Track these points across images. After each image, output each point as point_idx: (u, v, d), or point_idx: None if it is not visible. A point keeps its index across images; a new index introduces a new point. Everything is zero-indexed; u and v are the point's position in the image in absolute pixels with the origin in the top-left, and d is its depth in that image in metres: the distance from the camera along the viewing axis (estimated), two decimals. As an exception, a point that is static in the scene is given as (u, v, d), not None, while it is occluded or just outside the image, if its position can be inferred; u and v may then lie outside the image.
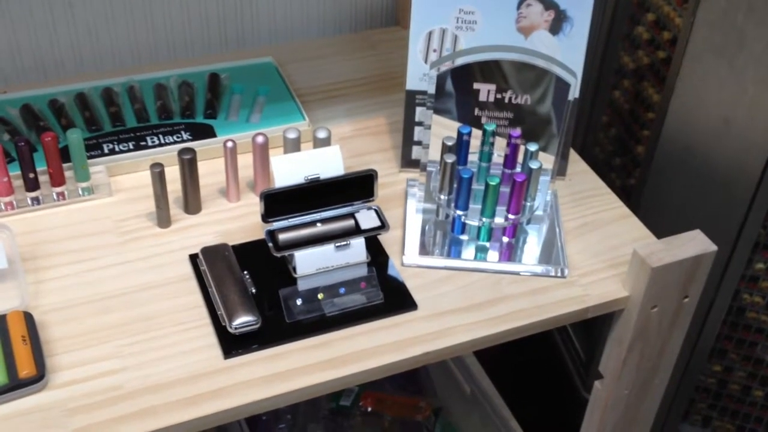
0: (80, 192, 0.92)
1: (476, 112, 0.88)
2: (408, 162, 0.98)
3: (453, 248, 0.90)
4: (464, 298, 0.84)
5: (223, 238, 0.88)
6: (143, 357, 0.77)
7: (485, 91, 0.87)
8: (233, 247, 0.86)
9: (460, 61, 0.85)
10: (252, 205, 0.92)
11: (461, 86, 0.88)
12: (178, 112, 1.01)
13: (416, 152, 0.98)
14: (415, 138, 0.97)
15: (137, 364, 0.76)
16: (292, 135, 0.92)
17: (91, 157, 0.94)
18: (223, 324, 0.78)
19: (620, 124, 1.19)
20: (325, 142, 0.92)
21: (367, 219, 0.86)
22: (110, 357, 0.77)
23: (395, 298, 0.83)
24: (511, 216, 0.88)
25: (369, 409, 1.25)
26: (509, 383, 1.29)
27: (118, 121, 0.99)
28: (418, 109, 0.96)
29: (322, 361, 0.77)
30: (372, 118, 1.06)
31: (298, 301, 0.81)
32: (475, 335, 0.81)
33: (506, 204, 0.88)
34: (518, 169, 0.91)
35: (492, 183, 0.85)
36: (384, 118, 1.06)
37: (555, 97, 0.87)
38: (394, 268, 0.87)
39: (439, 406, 1.27)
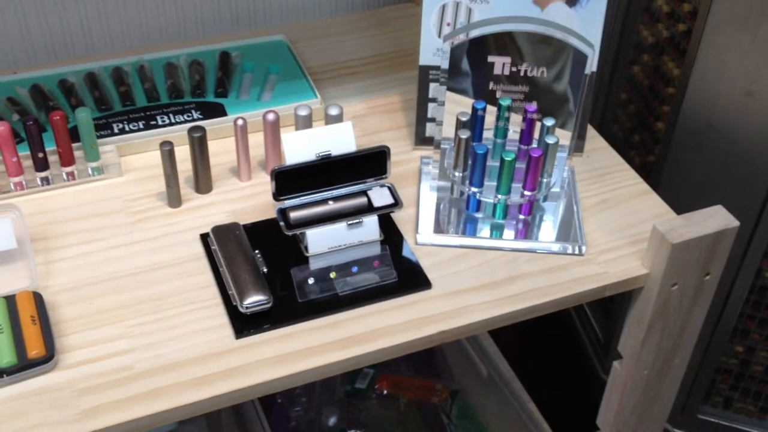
0: (90, 172, 0.91)
1: (491, 86, 0.86)
2: (422, 139, 0.97)
3: (468, 226, 0.88)
4: (480, 277, 0.82)
5: (234, 217, 0.87)
6: (153, 337, 0.76)
7: (500, 64, 0.85)
8: (244, 226, 0.84)
9: (474, 33, 0.83)
10: (263, 184, 0.91)
11: (475, 60, 0.86)
12: (189, 91, 1.00)
13: (430, 129, 0.96)
14: (429, 115, 0.95)
15: (147, 344, 0.75)
16: (303, 112, 0.90)
17: (100, 136, 0.93)
18: (234, 303, 0.77)
19: (639, 100, 1.16)
20: (337, 119, 0.90)
21: (380, 196, 0.84)
22: (120, 337, 0.76)
23: (409, 277, 0.82)
24: (527, 192, 0.86)
25: (385, 391, 1.23)
26: (527, 365, 1.28)
27: (128, 100, 0.98)
28: (432, 85, 0.94)
29: (334, 340, 0.76)
30: (385, 96, 1.04)
31: (310, 281, 0.80)
32: (490, 314, 0.79)
33: (522, 180, 0.86)
34: (534, 145, 0.89)
35: (507, 159, 0.83)
36: (397, 95, 1.04)
37: (572, 71, 0.84)
38: (408, 247, 0.85)
39: (456, 389, 1.26)
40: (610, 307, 1.26)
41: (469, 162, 0.86)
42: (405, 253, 0.84)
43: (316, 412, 1.21)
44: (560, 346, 1.41)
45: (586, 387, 1.33)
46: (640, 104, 1.16)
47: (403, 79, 1.06)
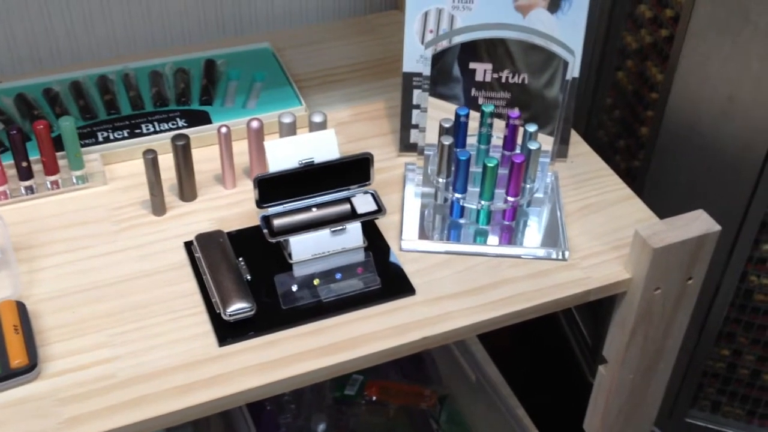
0: (74, 180, 0.91)
1: (473, 92, 0.87)
2: (406, 146, 0.97)
3: (452, 232, 0.88)
4: (463, 282, 0.83)
5: (218, 225, 0.87)
6: (137, 345, 0.76)
7: (482, 70, 0.85)
8: (229, 233, 0.84)
9: (456, 40, 0.84)
10: (248, 192, 0.91)
11: (458, 66, 0.86)
12: (174, 99, 1.00)
13: (414, 136, 0.96)
14: (413, 121, 0.95)
15: (131, 352, 0.75)
16: (287, 119, 0.90)
17: (85, 145, 0.93)
18: (218, 311, 0.77)
19: (624, 105, 1.17)
20: (321, 127, 0.90)
21: (363, 203, 0.84)
22: (103, 346, 0.76)
23: (393, 283, 0.82)
24: (510, 198, 0.86)
25: (374, 398, 1.23)
26: (515, 370, 1.28)
27: (113, 108, 0.98)
28: (415, 92, 0.94)
29: (318, 347, 0.76)
30: (370, 103, 1.04)
31: (294, 287, 0.80)
32: (474, 319, 0.79)
33: (505, 186, 0.86)
34: (518, 150, 0.89)
35: (490, 165, 0.84)
36: (382, 102, 1.05)
37: (554, 77, 0.85)
38: (392, 253, 0.85)
39: (444, 394, 1.26)
40: (598, 311, 1.26)
41: (453, 168, 0.86)
42: (389, 259, 0.85)
43: (305, 418, 1.21)
44: (549, 351, 1.41)
45: (574, 391, 1.33)
46: (624, 109, 1.17)
47: (388, 86, 1.07)
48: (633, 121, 1.15)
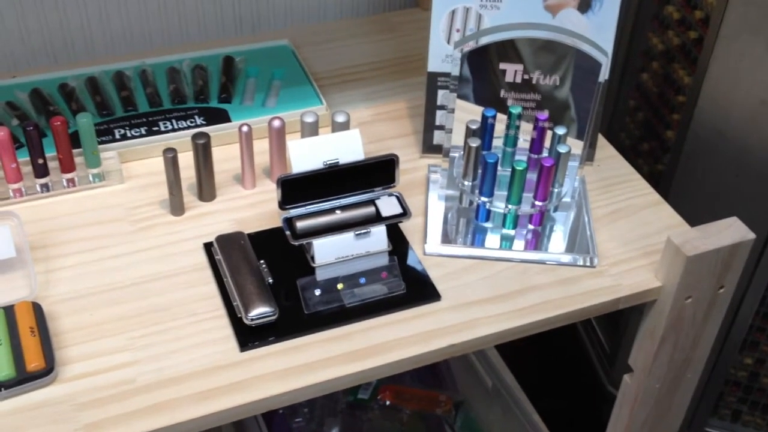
0: (91, 179, 0.89)
1: (502, 93, 0.85)
2: (429, 147, 0.95)
3: (477, 236, 0.86)
4: (490, 289, 0.81)
5: (238, 226, 0.85)
6: (156, 349, 0.74)
7: (512, 71, 0.83)
8: (249, 235, 0.82)
9: (484, 40, 0.82)
10: (268, 192, 0.89)
11: (485, 67, 0.84)
12: (192, 97, 0.98)
13: (438, 137, 0.94)
14: (437, 122, 0.93)
15: (150, 356, 0.73)
16: (309, 119, 0.88)
17: (102, 142, 0.91)
18: (239, 315, 0.75)
19: (648, 108, 1.14)
20: (344, 127, 0.88)
21: (388, 206, 0.82)
22: (122, 349, 0.74)
23: (418, 289, 0.80)
24: (538, 203, 0.84)
25: (387, 402, 1.21)
26: (531, 377, 1.26)
27: (130, 105, 0.96)
28: (441, 92, 0.92)
29: (341, 353, 0.74)
30: (391, 103, 1.02)
31: (317, 292, 0.78)
32: (502, 327, 0.77)
33: (533, 190, 0.84)
34: (545, 154, 0.87)
35: (519, 168, 0.82)
36: (404, 102, 1.03)
37: (584, 79, 0.83)
38: (416, 258, 0.83)
39: (460, 400, 1.24)
40: (616, 318, 1.24)
41: (479, 171, 0.84)
42: (413, 263, 0.83)
43: (317, 423, 1.19)
44: (565, 358, 1.39)
45: (591, 399, 1.32)
46: (648, 112, 1.15)
47: (409, 85, 1.05)
48: (658, 125, 1.13)
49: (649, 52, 1.12)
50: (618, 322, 1.25)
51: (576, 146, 0.86)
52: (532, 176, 0.84)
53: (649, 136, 1.15)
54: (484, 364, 1.21)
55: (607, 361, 1.28)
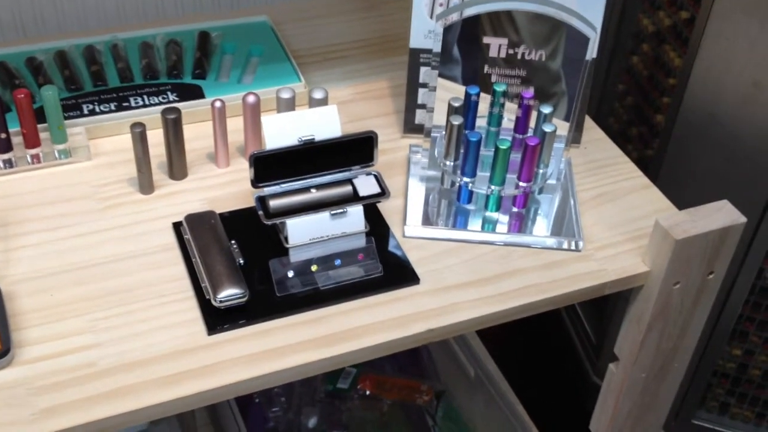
0: (57, 155, 0.85)
1: (486, 69, 0.81)
2: (411, 127, 0.91)
3: (459, 218, 0.83)
4: (471, 272, 0.77)
5: (210, 205, 0.82)
6: (120, 332, 0.70)
7: (496, 45, 0.80)
8: (221, 215, 0.79)
9: (469, 12, 0.78)
10: (242, 171, 0.86)
11: (469, 42, 0.81)
12: (165, 72, 0.94)
13: (420, 116, 0.91)
14: (419, 101, 0.90)
15: (113, 339, 0.70)
16: (286, 95, 0.85)
17: (69, 117, 0.87)
18: (208, 297, 0.72)
19: (638, 91, 1.11)
20: (322, 103, 0.85)
21: (366, 185, 0.79)
22: (84, 331, 0.70)
23: (396, 272, 0.76)
24: (522, 183, 0.81)
25: (367, 392, 1.18)
26: (515, 366, 1.23)
27: (100, 80, 0.92)
28: (423, 70, 0.89)
29: (315, 338, 0.71)
30: (372, 82, 0.99)
31: (290, 273, 0.74)
32: (482, 311, 0.74)
33: (517, 171, 0.81)
34: (530, 133, 0.84)
35: (502, 147, 0.78)
36: (385, 81, 0.99)
37: (571, 55, 0.80)
38: (395, 240, 0.80)
39: (441, 390, 1.21)
40: (602, 306, 1.22)
41: (461, 151, 0.81)
42: (391, 246, 0.79)
43: (295, 412, 1.16)
44: (550, 347, 1.37)
45: (576, 389, 1.29)
46: (638, 96, 1.12)
47: (391, 64, 1.01)
48: (647, 108, 1.10)
49: (640, 33, 1.09)
50: (604, 311, 1.22)
51: (563, 128, 0.83)
52: (516, 157, 0.81)
53: (639, 120, 1.12)
54: (466, 352, 1.18)
55: (593, 351, 1.25)
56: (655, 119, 1.07)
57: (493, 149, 0.80)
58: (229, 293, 0.71)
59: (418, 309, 0.74)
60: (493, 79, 0.82)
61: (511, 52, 0.80)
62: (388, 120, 0.94)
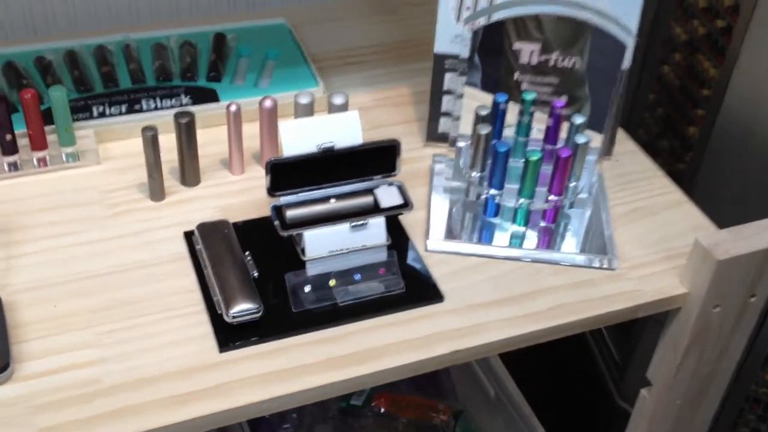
0: (64, 158, 0.82)
1: (516, 76, 0.77)
2: (434, 136, 0.87)
3: (484, 233, 0.79)
4: (497, 290, 0.73)
5: (223, 214, 0.78)
6: (126, 347, 0.66)
7: (527, 51, 0.76)
8: (235, 224, 0.75)
9: (497, 16, 0.74)
10: (257, 178, 0.82)
11: (498, 47, 0.77)
12: (178, 74, 0.91)
13: (444, 124, 0.87)
14: (443, 108, 0.86)
15: (119, 354, 0.66)
16: (304, 100, 0.81)
17: (78, 119, 0.84)
18: (220, 312, 0.68)
19: (669, 102, 1.07)
20: (342, 109, 0.81)
21: (388, 196, 0.75)
22: (88, 346, 0.66)
23: (418, 288, 0.72)
24: (552, 197, 0.77)
25: (382, 409, 1.14)
26: (536, 387, 1.18)
27: (111, 81, 0.89)
28: (448, 76, 0.84)
29: (332, 357, 0.67)
30: (393, 88, 0.95)
31: (307, 288, 0.70)
32: (510, 333, 0.70)
33: (546, 184, 0.77)
34: (560, 145, 0.80)
35: (532, 158, 0.74)
36: (407, 87, 0.95)
37: (600, 63, 0.75)
38: (417, 254, 0.76)
39: (459, 410, 1.16)
40: (629, 325, 1.17)
41: (489, 161, 0.77)
42: (414, 260, 0.75)
43: (307, 429, 1.11)
44: (573, 367, 1.32)
45: (600, 412, 1.24)
46: (669, 107, 1.07)
47: (413, 70, 0.97)
48: (679, 120, 1.05)
49: (671, 42, 1.05)
50: (630, 331, 1.17)
51: (594, 140, 0.78)
52: (545, 169, 0.77)
53: (670, 132, 1.08)
54: (486, 372, 1.14)
55: (617, 373, 1.20)
56: (687, 132, 1.03)
57: (523, 160, 0.76)
58: (243, 308, 0.67)
59: (442, 328, 0.70)
60: (524, 86, 0.77)
61: (543, 58, 0.76)
62: (409, 128, 0.90)
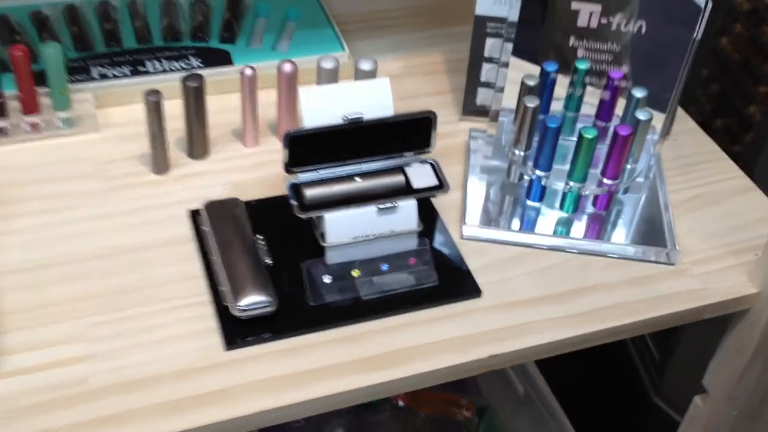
0: (58, 124, 0.74)
1: (571, 42, 0.68)
2: (471, 108, 0.78)
3: (526, 219, 0.70)
4: (542, 285, 0.65)
5: (234, 191, 0.69)
6: (118, 342, 0.58)
7: (587, 13, 0.66)
8: (246, 203, 0.66)
9: (554, -29, 0.65)
10: (273, 152, 0.73)
11: (549, 9, 0.67)
12: (188, 34, 0.82)
13: (482, 96, 0.78)
14: (483, 78, 0.77)
15: (110, 351, 0.58)
16: (328, 65, 0.72)
17: (75, 81, 0.76)
18: (226, 304, 0.60)
19: (726, 78, 0.97)
20: (370, 77, 0.72)
21: (420, 175, 0.66)
22: (75, 339, 0.58)
23: (453, 281, 0.64)
24: (607, 181, 0.68)
25: (401, 404, 1.06)
26: (567, 383, 1.10)
27: (114, 40, 0.80)
28: (490, 41, 0.75)
29: (353, 359, 0.58)
30: (426, 54, 0.86)
31: (327, 279, 0.62)
32: (556, 335, 0.61)
33: (600, 166, 0.68)
34: (615, 122, 0.71)
35: (588, 136, 0.65)
36: (441, 54, 0.86)
37: (674, 29, 0.66)
38: (452, 241, 0.67)
39: (483, 405, 1.08)
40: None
41: (536, 138, 0.68)
42: (447, 249, 0.66)
43: (319, 424, 1.04)
44: (606, 362, 1.23)
45: (635, 410, 1.16)
46: (726, 83, 0.98)
47: (448, 35, 0.88)
48: (737, 98, 0.95)
49: (732, 11, 0.95)
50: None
51: (660, 116, 0.69)
52: (597, 149, 0.68)
53: (725, 110, 0.98)
54: (514, 366, 1.06)
55: (654, 368, 1.12)
56: (747, 110, 0.93)
57: (571, 138, 0.67)
58: (253, 300, 0.59)
59: (479, 329, 0.61)
60: (580, 54, 0.68)
61: (604, 21, 0.66)
62: (443, 99, 0.81)
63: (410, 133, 0.66)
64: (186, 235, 0.66)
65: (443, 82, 0.83)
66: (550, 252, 0.67)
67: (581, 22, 0.66)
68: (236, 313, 0.59)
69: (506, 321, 0.62)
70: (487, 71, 0.76)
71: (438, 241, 0.67)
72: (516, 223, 0.69)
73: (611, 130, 0.66)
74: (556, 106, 0.72)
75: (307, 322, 0.60)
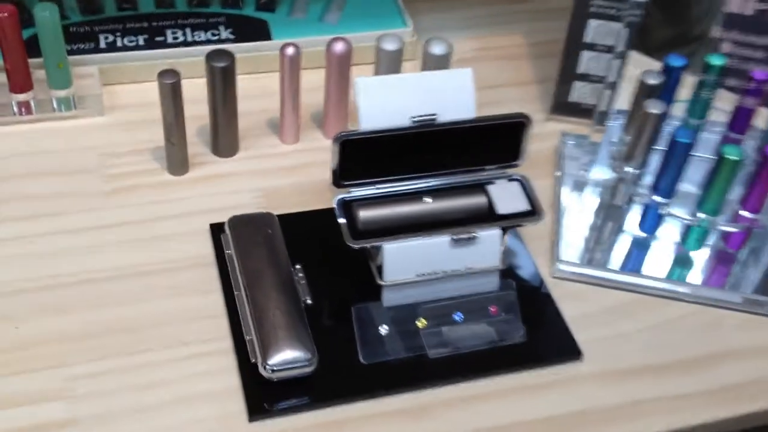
0: (54, 104, 0.64)
1: (715, 31, 0.53)
2: (562, 105, 0.65)
3: (637, 255, 0.55)
4: (659, 346, 0.51)
5: (267, 200, 0.57)
6: (109, 403, 0.46)
7: (741, -4, 0.51)
8: (281, 217, 0.53)
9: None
10: (318, 151, 0.61)
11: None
12: (219, -2, 0.69)
13: (579, 91, 0.64)
14: (581, 69, 0.63)
15: (97, 415, 0.45)
16: (390, 45, 0.59)
17: (77, 52, 0.66)
18: (254, 360, 0.46)
19: None
20: (442, 63, 0.58)
21: (507, 197, 0.52)
22: (54, 396, 0.46)
23: (545, 337, 0.51)
24: (746, 214, 0.53)
25: None
26: None
27: (127, 2, 0.70)
28: (593, 23, 0.61)
29: (416, 440, 0.45)
30: (503, 34, 0.75)
31: (383, 329, 0.49)
32: (686, 419, 0.47)
33: (741, 195, 0.53)
34: (753, 136, 0.56)
35: (731, 158, 0.51)
36: (524, 35, 0.74)
37: None
38: (543, 283, 0.53)
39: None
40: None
41: (660, 156, 0.53)
42: (537, 294, 0.52)
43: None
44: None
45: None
46: None
47: (534, 11, 0.77)
48: None
49: None
50: None
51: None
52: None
53: None
54: None
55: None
56: None
57: (704, 153, 0.52)
58: (287, 358, 0.45)
59: (581, 405, 0.48)
60: (723, 48, 0.53)
61: (761, 7, 0.51)
62: (525, 92, 0.69)
63: (495, 140, 0.51)
64: (205, 257, 0.53)
65: (525, 70, 0.71)
66: (668, 301, 0.53)
67: (733, 6, 0.51)
68: (265, 374, 0.46)
69: (616, 396, 0.48)
70: (587, 60, 0.62)
71: (525, 283, 0.52)
72: (622, 260, 0.55)
73: (761, 150, 0.51)
74: (675, 109, 0.58)
75: (355, 388, 0.47)
